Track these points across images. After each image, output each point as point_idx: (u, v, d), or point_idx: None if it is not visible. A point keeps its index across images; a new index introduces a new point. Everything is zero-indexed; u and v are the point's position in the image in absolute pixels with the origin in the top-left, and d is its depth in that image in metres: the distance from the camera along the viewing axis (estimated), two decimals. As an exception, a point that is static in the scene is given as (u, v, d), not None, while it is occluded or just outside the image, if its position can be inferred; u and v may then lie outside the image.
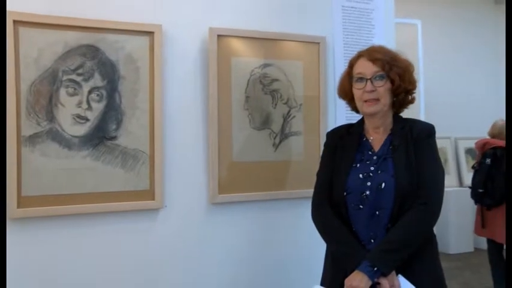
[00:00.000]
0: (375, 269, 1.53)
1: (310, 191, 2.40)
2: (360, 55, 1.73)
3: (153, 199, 2.12)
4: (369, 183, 1.65)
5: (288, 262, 2.39)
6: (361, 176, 1.67)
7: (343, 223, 1.68)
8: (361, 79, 1.68)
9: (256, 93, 2.33)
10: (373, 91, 1.65)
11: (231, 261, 2.29)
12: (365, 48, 1.76)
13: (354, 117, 2.50)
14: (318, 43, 2.46)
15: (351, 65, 1.75)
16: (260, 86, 2.34)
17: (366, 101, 1.68)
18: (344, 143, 1.76)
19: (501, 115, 6.60)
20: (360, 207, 1.65)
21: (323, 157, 1.83)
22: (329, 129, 2.45)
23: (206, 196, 2.25)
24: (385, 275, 1.55)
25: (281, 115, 2.38)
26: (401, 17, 3.74)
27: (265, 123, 2.35)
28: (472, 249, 5.68)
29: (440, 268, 1.70)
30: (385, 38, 2.60)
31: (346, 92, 1.78)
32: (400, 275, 1.58)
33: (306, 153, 2.43)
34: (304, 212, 2.40)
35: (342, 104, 2.52)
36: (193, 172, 2.23)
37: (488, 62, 6.53)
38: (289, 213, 2.41)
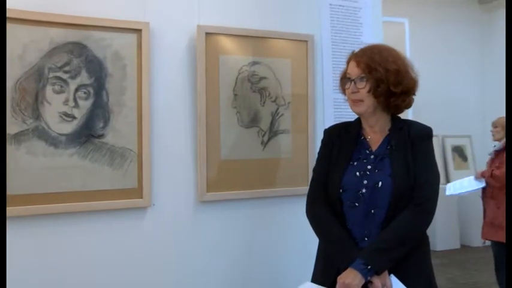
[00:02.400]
0: (369, 267, 1.53)
1: (298, 189, 2.42)
2: (351, 56, 1.74)
3: (141, 197, 2.11)
4: (365, 182, 1.65)
5: (277, 260, 2.40)
6: (357, 174, 1.67)
7: (338, 220, 1.68)
8: (348, 79, 1.70)
9: (245, 91, 2.33)
10: (355, 92, 1.67)
11: (220, 259, 2.29)
12: (359, 47, 1.76)
13: (342, 115, 2.52)
14: (306, 41, 2.46)
15: (347, 62, 1.76)
16: (248, 84, 2.34)
17: (352, 101, 1.70)
18: (341, 141, 1.77)
19: (487, 112, 6.68)
20: (355, 205, 1.65)
21: (320, 154, 1.83)
22: (317, 127, 2.48)
23: (194, 194, 2.24)
24: (378, 273, 1.54)
25: (269, 113, 2.38)
26: (388, 15, 3.76)
27: (253, 121, 2.35)
28: (458, 246, 5.75)
29: (431, 269, 1.70)
30: (373, 36, 2.62)
31: (343, 89, 1.78)
32: (392, 275, 1.58)
33: (294, 151, 2.44)
34: (293, 209, 2.42)
35: (330, 102, 2.55)
36: (182, 170, 2.22)
37: (474, 60, 6.61)
38: (277, 211, 2.41)
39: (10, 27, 1.88)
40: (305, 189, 2.42)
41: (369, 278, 1.54)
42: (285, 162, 2.42)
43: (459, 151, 6.23)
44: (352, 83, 1.68)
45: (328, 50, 2.55)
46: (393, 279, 1.57)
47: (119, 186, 2.08)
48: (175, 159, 2.21)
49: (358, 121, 1.79)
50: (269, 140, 2.38)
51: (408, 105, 1.73)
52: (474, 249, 5.66)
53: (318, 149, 2.46)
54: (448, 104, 6.12)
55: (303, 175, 2.45)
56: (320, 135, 2.47)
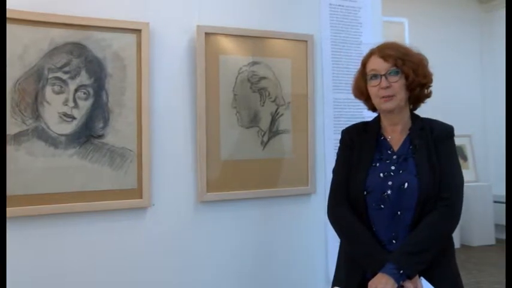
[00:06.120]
0: (401, 271, 1.50)
1: (298, 189, 2.43)
2: (371, 53, 1.70)
3: (141, 198, 2.11)
4: (390, 183, 1.62)
5: (277, 259, 2.40)
6: (381, 175, 1.64)
7: (363, 223, 1.64)
8: (375, 76, 1.65)
9: (244, 91, 2.33)
10: (388, 87, 1.62)
11: (219, 259, 2.29)
12: (359, 47, 1.75)
13: (342, 115, 2.53)
14: (306, 41, 2.46)
15: (364, 63, 1.73)
16: (248, 84, 2.34)
17: (382, 97, 1.64)
18: (361, 141, 1.72)
19: (487, 112, 6.67)
20: (381, 207, 1.62)
21: (339, 155, 1.78)
22: (317, 127, 2.48)
23: (194, 194, 2.24)
24: (410, 277, 1.52)
25: (269, 113, 2.38)
26: (388, 15, 3.76)
27: (253, 121, 2.35)
28: (458, 246, 5.74)
29: (458, 272, 1.68)
30: (373, 36, 2.61)
31: (361, 91, 1.74)
32: (422, 278, 1.56)
33: (295, 151, 2.44)
34: (293, 209, 2.42)
35: (330, 102, 2.55)
36: (181, 170, 2.22)
37: (474, 59, 6.60)
38: (277, 211, 2.41)
39: (10, 28, 1.88)
40: (305, 189, 2.44)
41: (401, 282, 1.51)
42: (285, 162, 2.42)
43: (459, 151, 6.22)
44: (383, 78, 1.63)
45: (328, 49, 2.55)
46: (423, 282, 1.55)
47: (119, 187, 2.07)
48: (175, 159, 2.21)
49: (376, 120, 1.76)
50: (269, 140, 2.38)
51: (429, 95, 1.74)
52: (474, 248, 5.66)
53: (318, 149, 2.48)
54: (448, 104, 6.10)
55: (303, 175, 2.45)
56: (320, 135, 2.49)
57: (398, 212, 1.61)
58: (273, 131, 2.39)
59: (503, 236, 5.64)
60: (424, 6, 6.17)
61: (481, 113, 6.54)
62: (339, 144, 1.81)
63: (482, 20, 6.62)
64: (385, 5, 2.86)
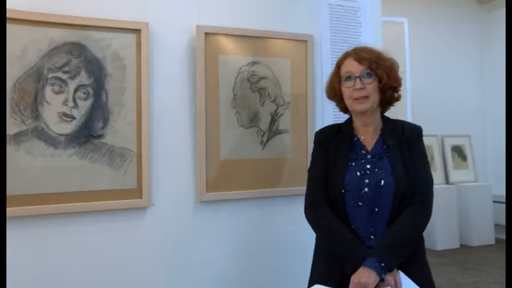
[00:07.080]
0: (382, 264, 1.56)
1: (298, 189, 2.41)
2: (346, 55, 1.76)
3: (141, 198, 2.11)
4: (366, 181, 1.67)
5: (277, 259, 2.40)
6: (358, 173, 1.69)
7: (342, 221, 1.70)
8: (349, 78, 1.71)
9: (244, 91, 2.33)
10: (362, 88, 1.68)
11: (219, 259, 2.29)
12: (351, 48, 1.79)
13: (341, 115, 2.52)
14: (306, 41, 2.46)
15: (338, 65, 1.78)
16: (248, 83, 2.34)
17: (355, 99, 1.70)
18: (336, 142, 1.78)
19: (487, 112, 6.66)
20: (359, 205, 1.68)
21: (315, 155, 1.83)
22: (317, 127, 2.48)
23: (194, 194, 2.24)
24: (390, 270, 1.58)
25: (269, 113, 2.38)
26: (387, 15, 3.76)
27: (252, 121, 2.35)
28: (458, 246, 5.75)
29: (428, 265, 1.75)
30: (372, 36, 2.62)
31: (335, 92, 1.80)
32: (400, 271, 1.62)
33: (294, 151, 2.44)
34: (292, 209, 2.42)
35: (330, 102, 2.54)
36: (181, 170, 2.22)
37: (473, 59, 6.61)
38: (276, 211, 2.41)
39: (10, 28, 1.88)
40: (304, 189, 2.43)
41: (382, 275, 1.56)
42: (285, 162, 2.42)
43: (458, 151, 6.22)
44: (357, 79, 1.68)
45: (327, 49, 2.55)
46: (401, 275, 1.61)
47: (119, 187, 2.08)
48: (175, 159, 2.21)
49: (349, 122, 1.82)
50: (268, 140, 2.38)
51: (399, 98, 1.80)
52: (474, 248, 5.66)
53: (317, 149, 2.47)
54: (448, 104, 6.11)
55: (302, 175, 2.43)
56: (319, 135, 2.49)
57: (376, 209, 1.67)
58: (272, 131, 2.39)
59: (502, 236, 5.64)
60: (424, 6, 6.17)
61: (480, 112, 6.55)
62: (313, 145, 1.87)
63: (482, 20, 6.62)
64: (385, 5, 2.86)
